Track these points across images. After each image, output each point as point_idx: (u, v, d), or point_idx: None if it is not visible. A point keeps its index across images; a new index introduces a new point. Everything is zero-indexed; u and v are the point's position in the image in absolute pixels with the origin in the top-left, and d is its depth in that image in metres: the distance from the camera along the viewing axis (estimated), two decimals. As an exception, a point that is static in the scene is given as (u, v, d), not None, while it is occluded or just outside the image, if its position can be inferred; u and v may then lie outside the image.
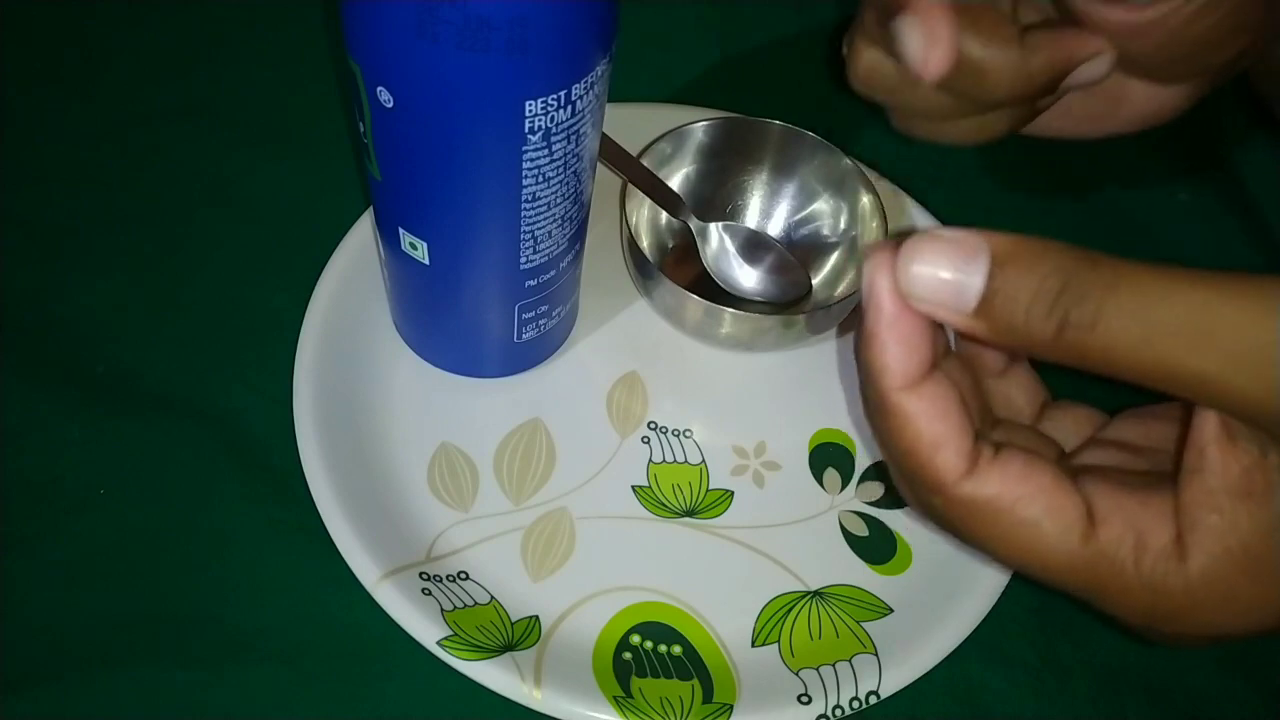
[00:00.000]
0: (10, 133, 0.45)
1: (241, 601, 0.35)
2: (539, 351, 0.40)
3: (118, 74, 0.47)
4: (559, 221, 0.34)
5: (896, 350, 0.23)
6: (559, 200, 0.33)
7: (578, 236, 0.36)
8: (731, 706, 0.33)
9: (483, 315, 0.37)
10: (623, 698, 0.33)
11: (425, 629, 0.33)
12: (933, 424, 0.23)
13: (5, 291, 0.41)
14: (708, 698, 0.34)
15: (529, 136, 0.29)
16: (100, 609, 0.35)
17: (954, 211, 0.45)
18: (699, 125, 0.42)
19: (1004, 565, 0.25)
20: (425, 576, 0.35)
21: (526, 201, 0.32)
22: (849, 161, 0.42)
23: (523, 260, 0.34)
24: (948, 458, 0.23)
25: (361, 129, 0.31)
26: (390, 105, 0.29)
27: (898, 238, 0.22)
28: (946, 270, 0.21)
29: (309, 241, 0.41)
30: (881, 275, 0.22)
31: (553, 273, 0.36)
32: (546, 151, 0.30)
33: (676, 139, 0.42)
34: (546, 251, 0.34)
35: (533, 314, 0.37)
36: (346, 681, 0.34)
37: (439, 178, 0.31)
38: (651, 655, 0.35)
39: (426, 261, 0.34)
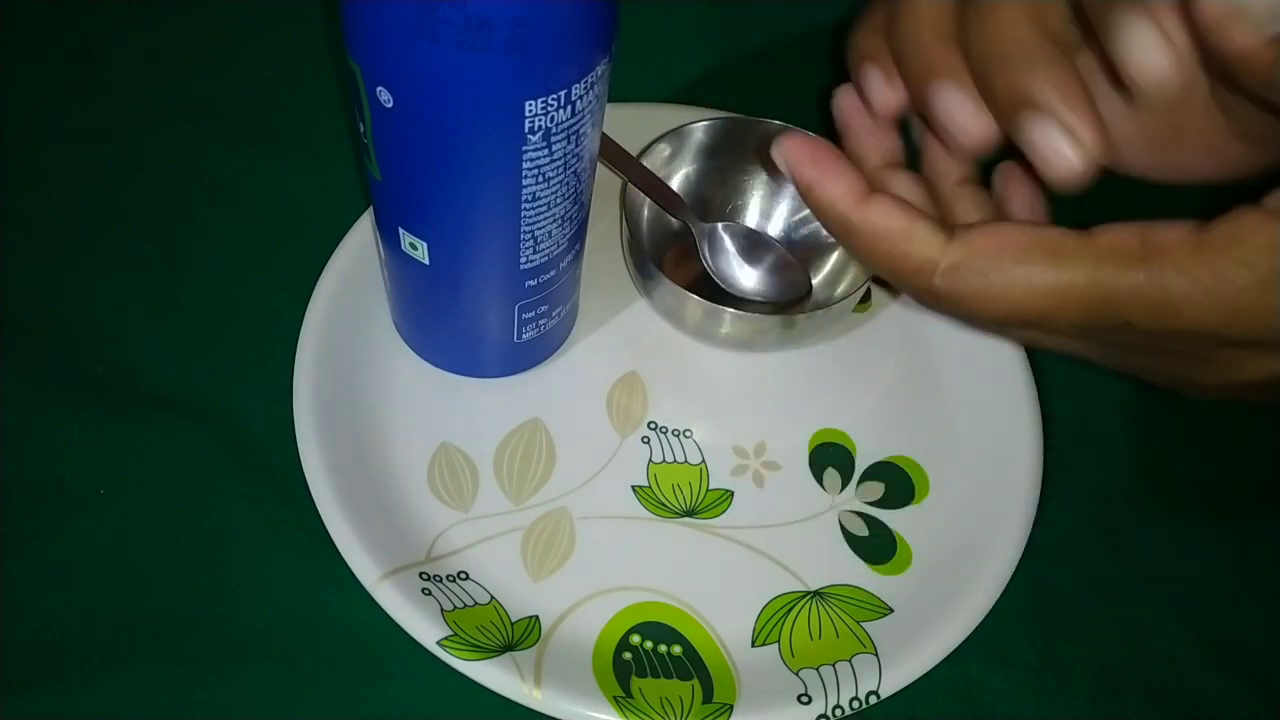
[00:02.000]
0: (10, 133, 0.45)
1: (241, 601, 0.35)
2: (539, 351, 0.40)
3: (118, 74, 0.47)
4: (559, 221, 0.34)
5: (836, 183, 0.26)
6: (559, 200, 0.33)
7: (578, 236, 0.36)
8: (731, 706, 0.33)
9: (483, 315, 0.37)
10: (623, 698, 0.33)
11: (425, 629, 0.33)
12: (898, 217, 0.25)
13: (5, 291, 0.41)
14: (708, 698, 0.34)
15: (529, 136, 0.29)
16: (100, 609, 0.35)
17: (954, 211, 0.45)
18: (699, 125, 0.42)
19: (1005, 324, 0.25)
20: (425, 576, 0.35)
21: (526, 201, 0.32)
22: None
23: (523, 260, 0.34)
24: (924, 236, 0.25)
25: (361, 129, 0.31)
26: (390, 105, 0.29)
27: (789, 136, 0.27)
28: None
29: (309, 241, 0.41)
30: (791, 142, 0.27)
31: (553, 273, 0.36)
32: (546, 151, 0.30)
33: (676, 139, 0.42)
34: (546, 251, 0.34)
35: (533, 314, 0.37)
36: (346, 681, 0.34)
37: (439, 178, 0.31)
38: (651, 655, 0.35)
39: (426, 261, 0.34)
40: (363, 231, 0.41)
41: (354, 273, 0.41)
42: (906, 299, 0.44)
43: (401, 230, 0.34)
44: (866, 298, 0.44)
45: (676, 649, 0.35)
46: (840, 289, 0.42)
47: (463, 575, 0.36)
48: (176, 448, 0.38)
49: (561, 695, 0.33)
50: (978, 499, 0.39)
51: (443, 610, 0.34)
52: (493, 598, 0.35)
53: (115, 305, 0.41)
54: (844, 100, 0.31)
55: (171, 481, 0.37)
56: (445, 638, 0.33)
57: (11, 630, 0.34)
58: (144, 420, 0.38)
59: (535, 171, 0.31)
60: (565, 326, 0.41)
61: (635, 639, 0.35)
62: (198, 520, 0.37)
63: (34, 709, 0.33)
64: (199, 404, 0.39)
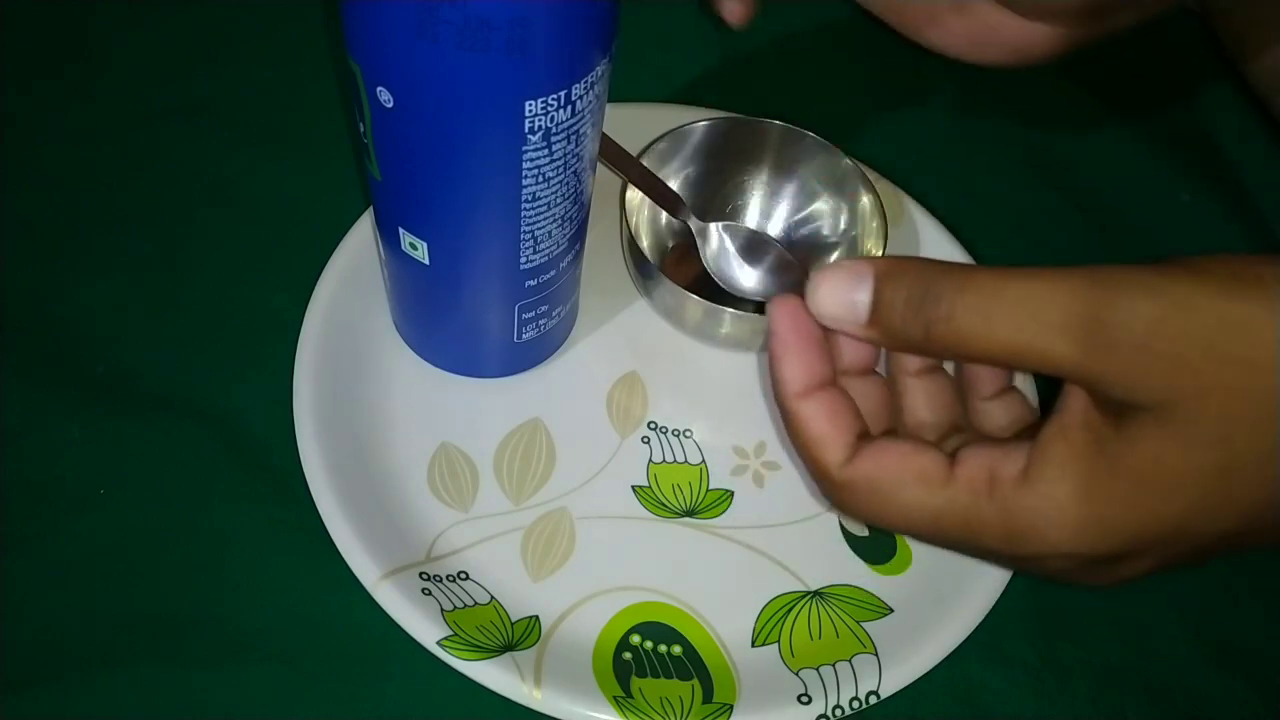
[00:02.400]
0: (10, 133, 0.45)
1: (241, 601, 0.35)
2: (539, 351, 0.40)
3: (118, 74, 0.47)
4: (559, 221, 0.34)
5: (791, 367, 0.28)
6: (559, 200, 0.33)
7: (578, 236, 0.36)
8: (731, 706, 0.33)
9: (483, 315, 0.37)
10: (623, 698, 0.33)
11: (425, 629, 0.33)
12: (821, 424, 0.28)
13: (5, 291, 0.41)
14: (708, 698, 0.34)
15: (529, 136, 0.29)
16: (100, 609, 0.35)
17: (954, 212, 0.45)
18: (699, 125, 0.42)
19: (893, 530, 0.29)
20: (425, 576, 0.35)
21: (526, 201, 0.32)
22: (849, 161, 0.42)
23: (523, 260, 0.34)
24: (831, 451, 0.27)
25: (361, 129, 0.31)
26: (390, 105, 0.29)
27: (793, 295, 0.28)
28: (843, 292, 0.26)
29: (309, 241, 0.41)
30: (779, 312, 0.28)
31: (553, 273, 0.36)
32: (546, 151, 0.30)
33: (676, 139, 0.42)
34: (546, 251, 0.34)
35: (533, 314, 0.37)
36: (346, 681, 0.34)
37: (439, 178, 0.31)
38: (651, 655, 0.35)
39: (426, 261, 0.34)
40: (363, 231, 0.41)
41: (354, 273, 0.41)
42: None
43: (401, 230, 0.34)
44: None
45: (676, 649, 0.35)
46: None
47: (463, 575, 0.36)
48: (176, 448, 0.38)
49: (561, 695, 0.33)
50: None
51: (443, 610, 0.34)
52: (493, 598, 0.35)
53: (115, 305, 0.41)
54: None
55: (171, 481, 0.37)
56: (445, 638, 0.33)
57: (11, 630, 0.34)
58: (144, 420, 0.38)
59: (535, 171, 0.31)
60: (565, 326, 0.41)
61: (635, 639, 0.35)
62: (198, 520, 0.37)
63: (34, 709, 0.33)
64: (199, 404, 0.39)
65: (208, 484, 0.37)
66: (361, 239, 0.41)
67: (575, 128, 0.30)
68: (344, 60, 0.30)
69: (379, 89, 0.29)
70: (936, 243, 0.45)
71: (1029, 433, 0.27)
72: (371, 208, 0.38)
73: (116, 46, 0.48)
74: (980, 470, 0.26)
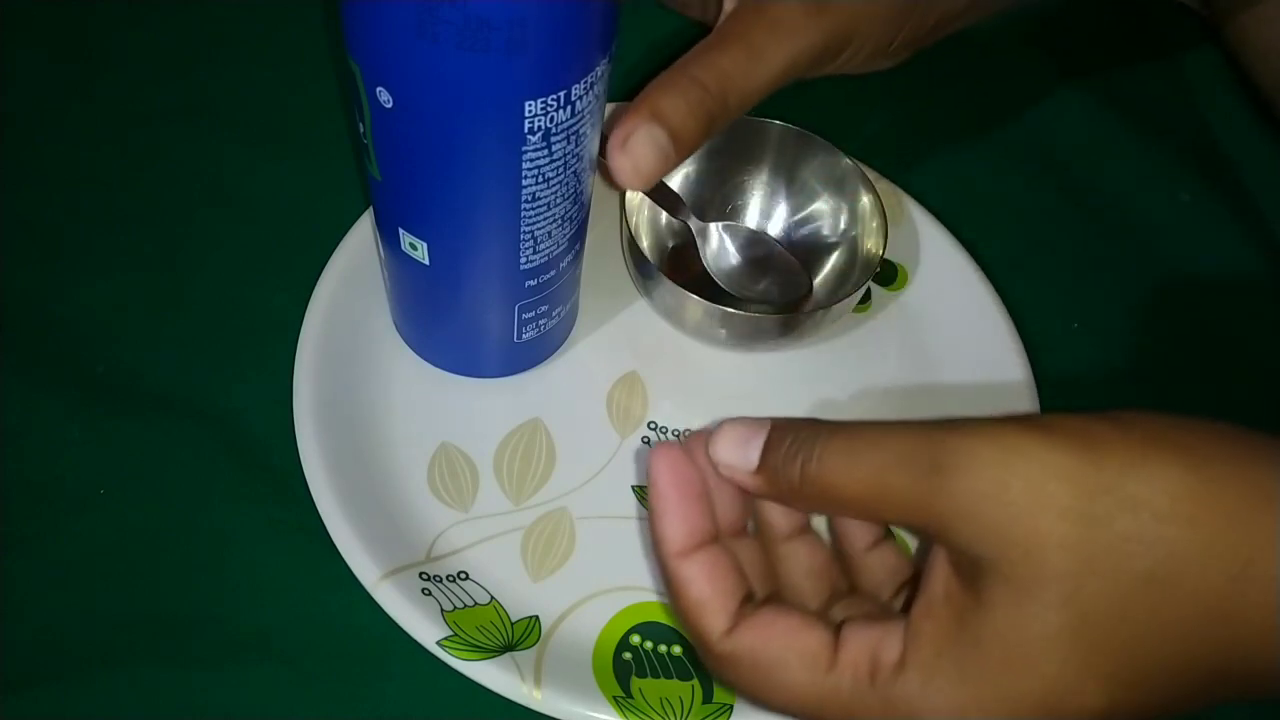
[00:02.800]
0: (10, 133, 0.45)
1: (241, 602, 0.35)
2: (539, 351, 0.40)
3: (118, 74, 0.47)
4: (559, 221, 0.34)
5: (671, 524, 0.27)
6: (559, 200, 0.33)
7: (578, 236, 0.36)
8: (731, 707, 0.33)
9: (483, 315, 0.37)
10: (623, 698, 0.33)
11: (425, 629, 0.33)
12: (701, 587, 0.27)
13: (5, 291, 0.41)
14: (708, 698, 0.34)
15: (529, 137, 0.29)
16: (100, 609, 0.35)
17: (954, 212, 0.45)
18: (699, 125, 0.42)
19: (773, 712, 0.27)
20: (425, 577, 0.35)
21: (526, 202, 0.32)
22: (849, 161, 0.42)
23: (522, 260, 0.34)
24: (712, 617, 0.27)
25: (361, 129, 0.31)
26: (390, 105, 0.29)
27: (675, 443, 0.28)
28: (741, 442, 0.27)
29: (309, 241, 0.41)
30: (658, 463, 0.27)
31: (553, 273, 0.36)
32: (546, 152, 0.30)
33: (676, 139, 0.42)
34: (546, 252, 0.34)
35: (533, 314, 0.37)
36: (346, 682, 0.34)
37: (439, 178, 0.31)
38: (651, 655, 0.35)
39: (426, 262, 0.34)
40: (363, 231, 0.41)
41: (354, 273, 0.40)
42: (906, 300, 0.44)
43: (401, 230, 0.34)
44: (867, 298, 0.44)
45: (676, 649, 0.35)
46: (840, 289, 0.42)
47: (463, 575, 0.36)
48: (176, 448, 0.38)
49: (561, 695, 0.33)
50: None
51: (443, 610, 0.34)
52: (493, 598, 0.35)
53: (115, 305, 0.41)
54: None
55: (171, 481, 0.37)
56: (445, 638, 0.33)
57: (11, 630, 0.34)
58: (144, 420, 0.38)
59: (535, 172, 0.31)
60: (565, 326, 0.41)
61: (635, 639, 0.35)
62: (197, 520, 0.37)
63: (34, 709, 0.33)
64: (199, 404, 0.39)
65: (208, 484, 0.37)
66: (361, 239, 0.41)
67: (575, 128, 0.30)
68: (344, 60, 0.30)
69: (378, 89, 0.29)
70: (937, 242, 0.45)
71: (910, 587, 0.27)
72: (371, 208, 0.38)
73: (116, 46, 0.48)
74: (863, 654, 0.25)
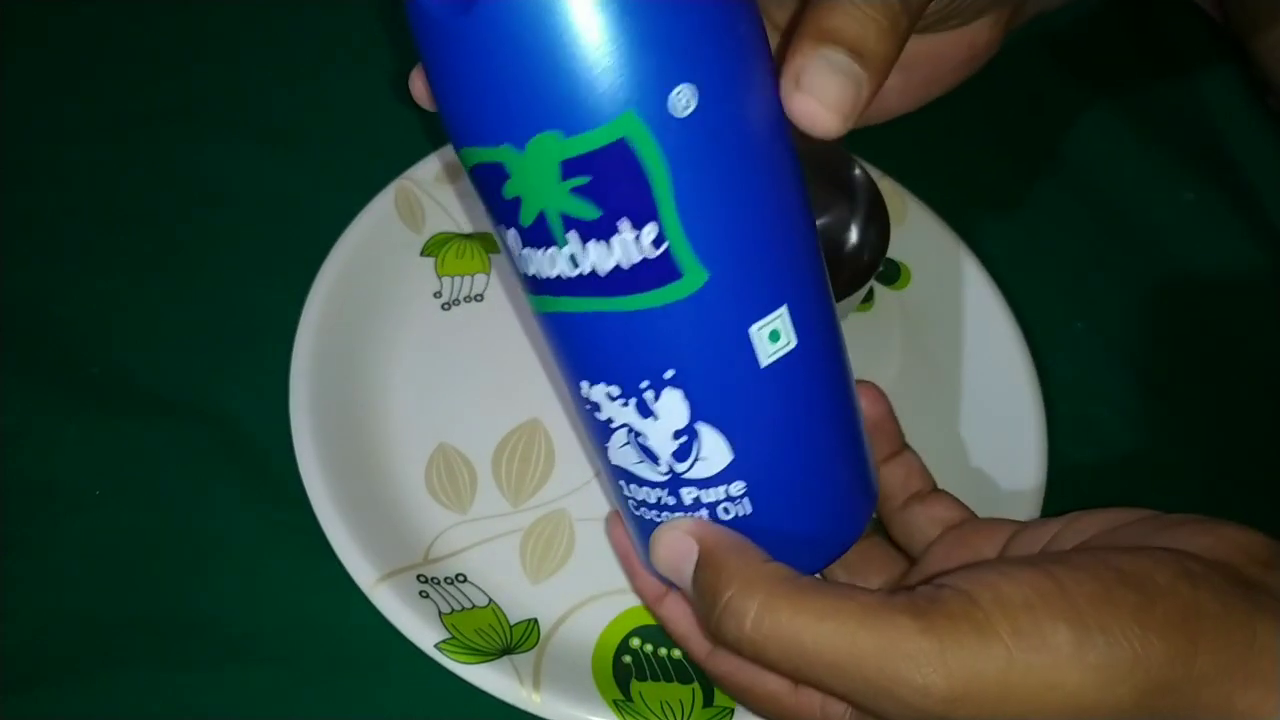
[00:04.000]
0: (10, 133, 0.45)
1: (238, 604, 0.35)
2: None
3: (116, 74, 0.47)
4: None
5: (641, 581, 0.33)
6: None
7: None
8: (732, 710, 0.33)
9: (852, 403, 0.28)
10: (622, 701, 0.33)
11: (423, 632, 0.33)
12: (678, 623, 0.32)
13: (2, 291, 0.40)
14: (708, 701, 0.34)
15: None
16: (96, 611, 0.34)
17: (955, 212, 0.45)
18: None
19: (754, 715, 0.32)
20: (423, 579, 0.35)
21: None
22: (849, 161, 0.42)
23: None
24: (694, 645, 0.32)
25: (660, 229, 0.23)
26: (690, 111, 0.22)
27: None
28: (674, 559, 0.28)
29: (305, 242, 0.41)
30: (615, 536, 0.33)
31: None
32: None
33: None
34: None
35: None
36: (344, 685, 0.34)
37: (778, 201, 0.24)
38: (651, 659, 0.35)
39: (793, 342, 0.25)
40: (359, 231, 0.41)
41: (351, 273, 0.40)
42: (908, 298, 0.44)
43: (757, 327, 0.25)
44: (868, 298, 0.44)
45: (676, 653, 0.35)
46: (843, 288, 0.41)
47: (461, 578, 0.36)
48: (173, 449, 0.38)
49: (560, 699, 0.33)
50: (980, 499, 0.38)
51: (441, 613, 0.34)
52: (491, 600, 0.35)
53: (112, 305, 0.41)
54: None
55: (168, 483, 0.37)
56: (443, 641, 0.33)
57: (8, 632, 0.34)
58: (140, 421, 0.38)
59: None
60: None
61: (635, 642, 0.35)
62: (194, 522, 0.36)
63: (31, 710, 0.33)
64: (196, 405, 0.39)
65: (204, 485, 0.37)
66: (359, 238, 0.41)
67: None
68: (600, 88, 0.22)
69: (676, 91, 0.22)
70: (939, 241, 0.44)
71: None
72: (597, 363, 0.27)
73: (115, 45, 0.48)
74: (814, 700, 0.29)
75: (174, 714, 0.33)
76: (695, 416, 0.26)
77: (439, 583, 0.35)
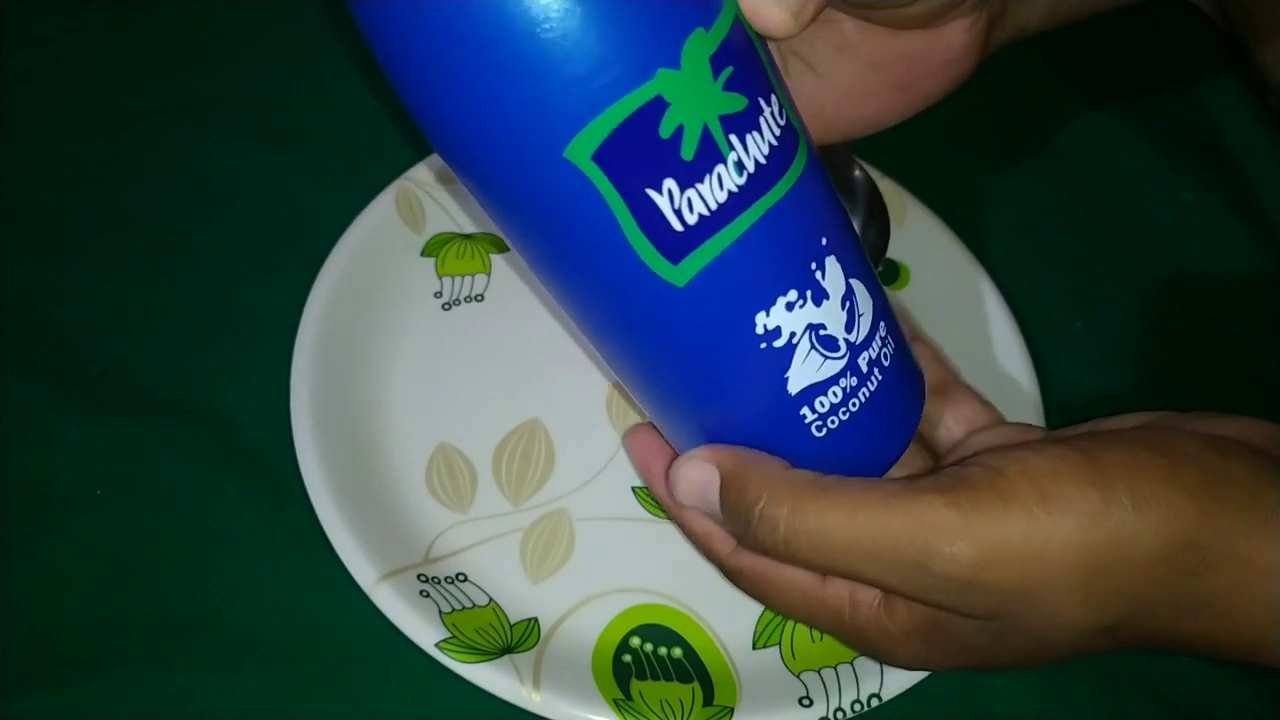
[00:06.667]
0: (10, 133, 0.45)
1: (238, 603, 0.35)
2: None
3: (116, 74, 0.47)
4: None
5: (660, 490, 0.32)
6: None
7: None
8: (732, 709, 0.33)
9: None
10: (622, 700, 0.33)
11: (423, 631, 0.33)
12: (703, 523, 0.31)
13: (3, 291, 0.40)
14: (708, 700, 0.34)
15: None
16: (96, 611, 0.34)
17: (957, 211, 0.45)
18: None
19: (775, 613, 0.33)
20: (423, 578, 0.35)
21: None
22: (849, 161, 0.42)
23: None
24: (716, 543, 0.31)
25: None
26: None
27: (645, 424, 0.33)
28: (697, 488, 0.29)
29: (306, 241, 0.41)
30: (632, 445, 0.33)
31: None
32: None
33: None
34: None
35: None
36: (344, 684, 0.34)
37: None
38: (651, 658, 0.35)
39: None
40: (360, 231, 0.41)
41: (351, 273, 0.40)
42: (908, 299, 0.44)
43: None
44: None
45: (677, 651, 0.35)
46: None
47: (461, 577, 0.36)
48: (173, 449, 0.38)
49: (561, 698, 0.33)
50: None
51: (441, 612, 0.34)
52: (491, 600, 0.35)
53: (112, 305, 0.41)
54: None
55: (168, 483, 0.37)
56: (444, 640, 0.33)
57: (7, 632, 0.34)
58: (140, 421, 0.38)
59: None
60: None
61: (635, 641, 0.35)
62: (194, 521, 0.36)
63: (30, 711, 0.33)
64: (196, 405, 0.39)
65: (205, 485, 0.37)
66: (359, 239, 0.41)
67: None
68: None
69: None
70: (939, 241, 0.44)
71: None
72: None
73: (115, 46, 0.48)
74: (844, 592, 0.29)
75: (174, 714, 0.33)
76: (847, 274, 0.27)
77: (439, 582, 0.35)
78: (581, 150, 0.22)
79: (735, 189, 0.24)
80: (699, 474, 0.29)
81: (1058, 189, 0.49)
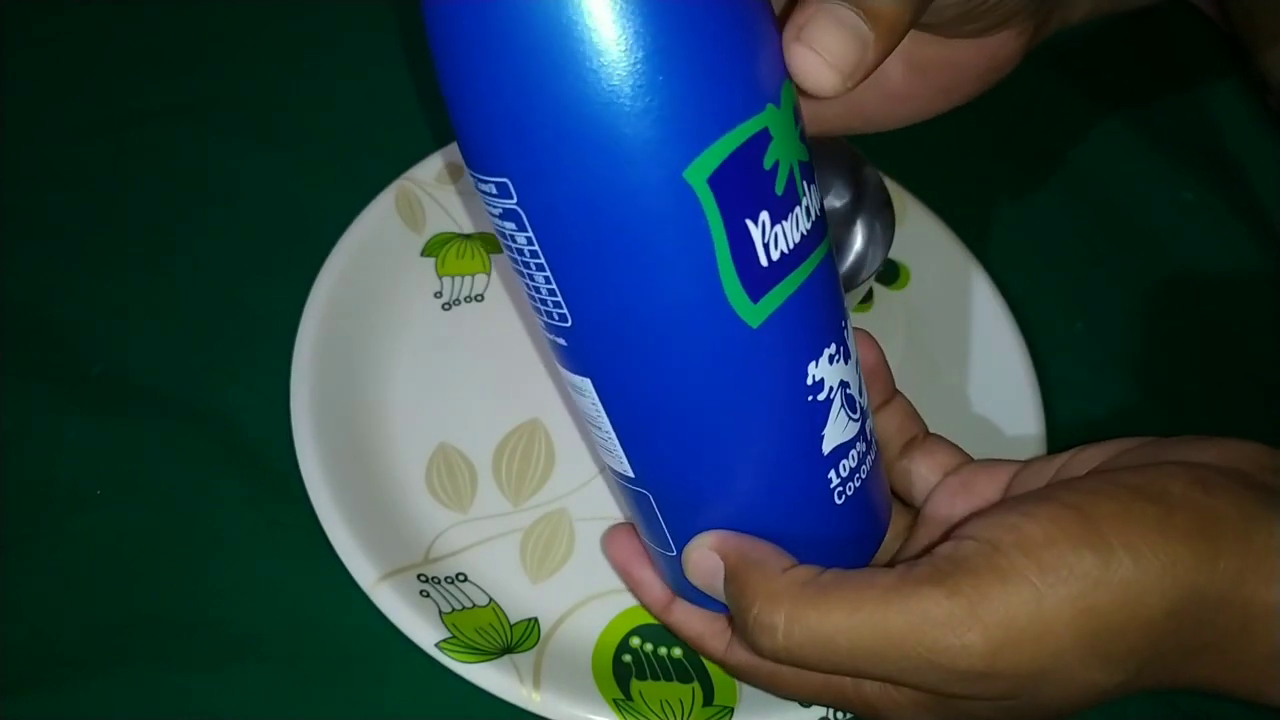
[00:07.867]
0: (10, 133, 0.45)
1: (238, 603, 0.35)
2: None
3: (116, 74, 0.47)
4: None
5: (646, 592, 0.33)
6: None
7: None
8: (732, 709, 0.33)
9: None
10: (622, 700, 0.33)
11: (424, 631, 0.33)
12: (691, 625, 0.32)
13: (3, 291, 0.40)
14: (708, 700, 0.34)
15: None
16: (96, 611, 0.34)
17: (956, 211, 0.45)
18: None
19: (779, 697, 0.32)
20: (423, 578, 0.35)
21: None
22: (852, 160, 0.42)
23: None
24: (709, 643, 0.32)
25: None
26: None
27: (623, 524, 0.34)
28: (706, 579, 0.28)
29: (306, 241, 0.41)
30: (611, 548, 0.33)
31: None
32: None
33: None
34: None
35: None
36: (344, 684, 0.34)
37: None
38: (651, 658, 0.35)
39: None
40: (360, 231, 0.41)
41: (351, 273, 0.40)
42: (908, 299, 0.44)
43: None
44: (869, 297, 0.44)
45: (677, 651, 0.35)
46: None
47: (461, 577, 0.36)
48: (173, 448, 0.38)
49: (561, 698, 0.33)
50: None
51: (441, 612, 0.34)
52: (491, 600, 0.35)
53: (111, 305, 0.41)
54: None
55: (168, 482, 0.37)
56: (444, 640, 0.33)
57: (7, 632, 0.34)
58: (140, 421, 0.38)
59: None
60: None
61: (635, 641, 0.35)
62: (194, 521, 0.36)
63: (30, 711, 0.33)
64: (196, 404, 0.39)
65: (205, 485, 0.37)
66: (360, 239, 0.41)
67: None
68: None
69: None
70: (939, 241, 0.44)
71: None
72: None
73: (115, 46, 0.48)
74: (843, 680, 0.29)
75: (174, 714, 0.33)
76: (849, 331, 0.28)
77: (439, 582, 0.35)
78: (699, 172, 0.22)
79: (804, 233, 0.25)
80: (706, 562, 0.28)
81: (1058, 189, 0.49)
